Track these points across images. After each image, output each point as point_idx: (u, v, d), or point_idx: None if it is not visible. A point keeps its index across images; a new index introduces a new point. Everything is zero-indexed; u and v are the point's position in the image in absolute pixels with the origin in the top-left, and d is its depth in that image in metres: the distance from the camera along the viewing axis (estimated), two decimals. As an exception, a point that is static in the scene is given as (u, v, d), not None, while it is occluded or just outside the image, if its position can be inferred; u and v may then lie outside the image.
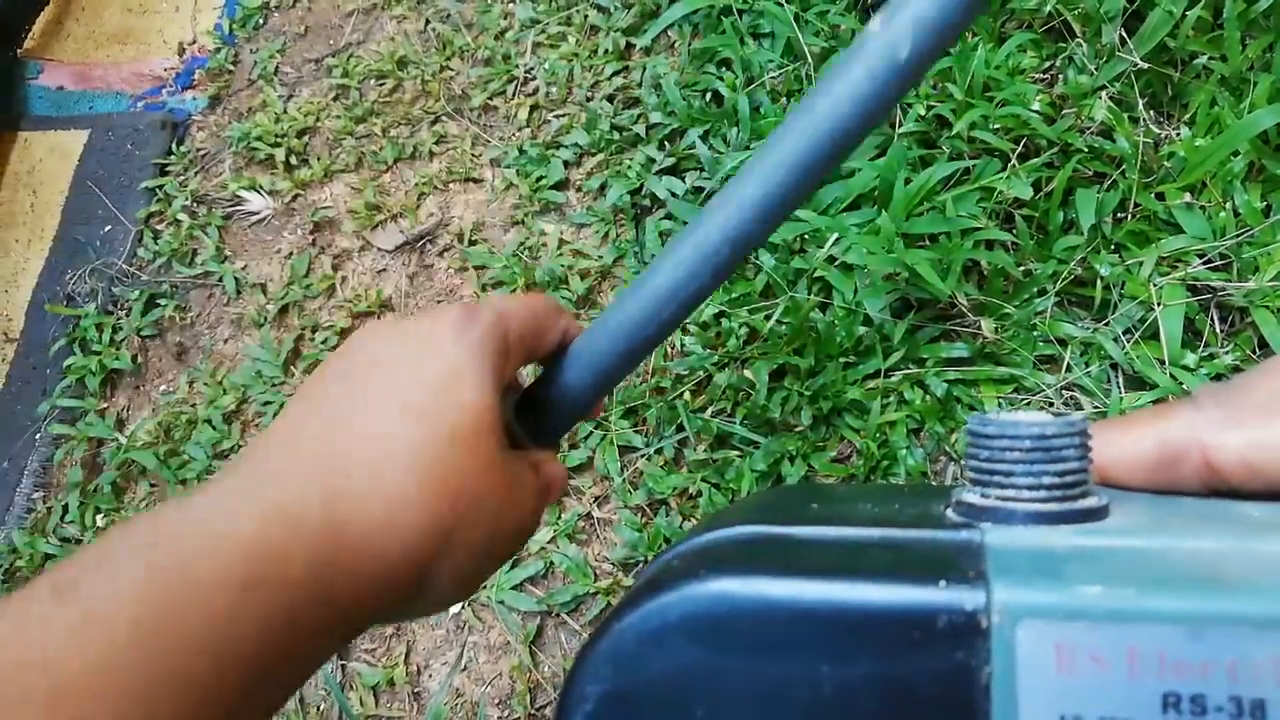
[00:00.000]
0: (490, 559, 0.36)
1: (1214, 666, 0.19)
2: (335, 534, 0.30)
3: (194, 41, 1.82)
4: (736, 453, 1.20)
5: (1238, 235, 1.12)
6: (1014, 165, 1.19)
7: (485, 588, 1.21)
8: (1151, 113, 1.22)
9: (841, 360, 1.19)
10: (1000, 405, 1.14)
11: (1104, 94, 1.22)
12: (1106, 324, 1.15)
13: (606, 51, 1.53)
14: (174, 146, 1.68)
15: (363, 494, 0.31)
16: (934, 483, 1.16)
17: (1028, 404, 1.14)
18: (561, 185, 1.46)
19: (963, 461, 0.25)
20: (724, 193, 0.32)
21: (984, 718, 0.20)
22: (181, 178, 1.65)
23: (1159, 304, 1.11)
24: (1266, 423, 0.25)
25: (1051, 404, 1.14)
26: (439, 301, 1.44)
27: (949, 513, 0.25)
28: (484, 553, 0.35)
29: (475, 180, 1.52)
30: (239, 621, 0.26)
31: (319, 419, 0.34)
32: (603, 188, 1.43)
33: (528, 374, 0.42)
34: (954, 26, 0.28)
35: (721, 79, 1.39)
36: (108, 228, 1.63)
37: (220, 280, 1.53)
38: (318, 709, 1.22)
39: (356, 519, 0.30)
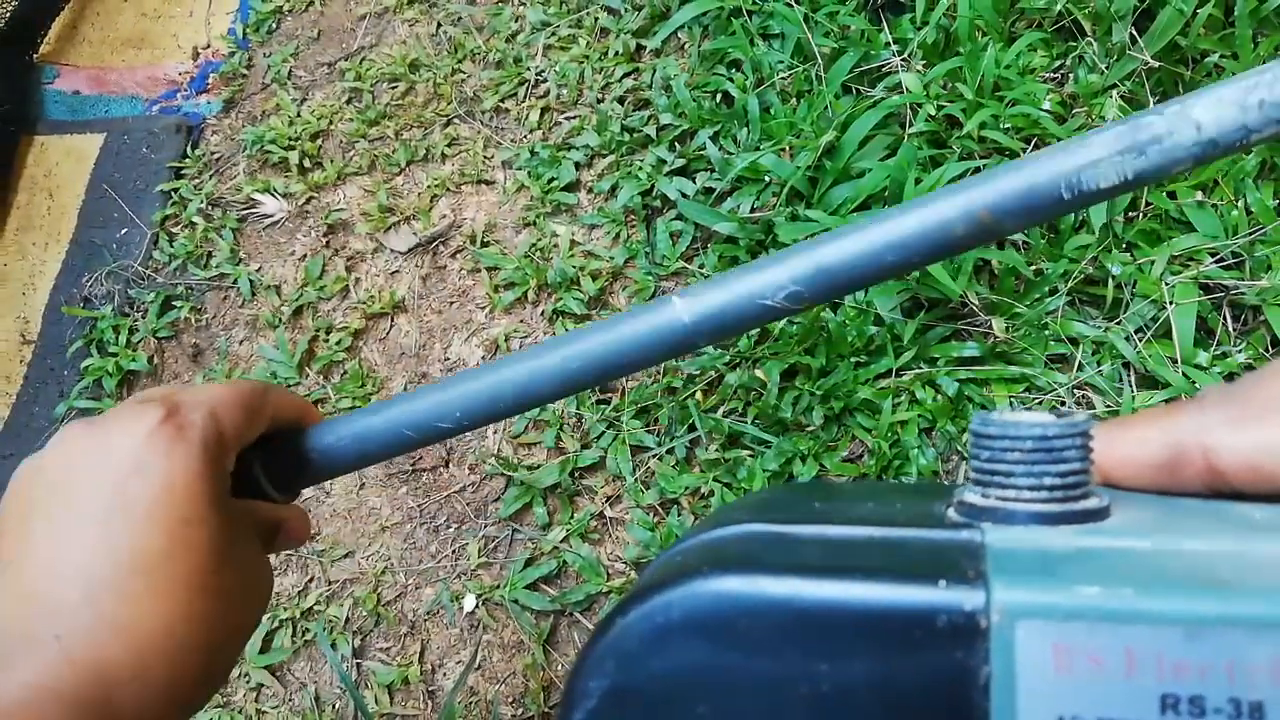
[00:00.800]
0: (244, 635, 0.38)
1: (1213, 668, 0.19)
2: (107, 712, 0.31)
3: (208, 45, 1.84)
4: (748, 452, 1.21)
5: (1250, 233, 1.12)
6: (1025, 164, 1.18)
7: (497, 587, 1.22)
8: (1163, 111, 1.22)
9: (853, 360, 1.19)
10: (1012, 404, 1.14)
11: (1115, 93, 1.21)
12: (1118, 323, 1.15)
13: (617, 54, 1.54)
14: (189, 150, 1.70)
15: (130, 672, 0.31)
16: (941, 482, 1.16)
17: (1039, 403, 1.14)
18: (573, 187, 1.47)
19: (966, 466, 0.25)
20: (520, 357, 0.39)
21: (983, 717, 0.20)
22: (196, 181, 1.66)
23: (1171, 303, 1.11)
24: (1271, 425, 0.25)
25: (1063, 403, 1.14)
26: (452, 303, 1.44)
27: (950, 512, 0.25)
28: (239, 641, 0.37)
29: (487, 182, 1.53)
30: None
31: (49, 575, 0.33)
32: (614, 189, 1.43)
33: None
34: (734, 329, 0.36)
35: (732, 80, 1.39)
36: (124, 231, 1.64)
37: (235, 282, 1.54)
38: (333, 707, 1.23)
39: (127, 698, 0.31)
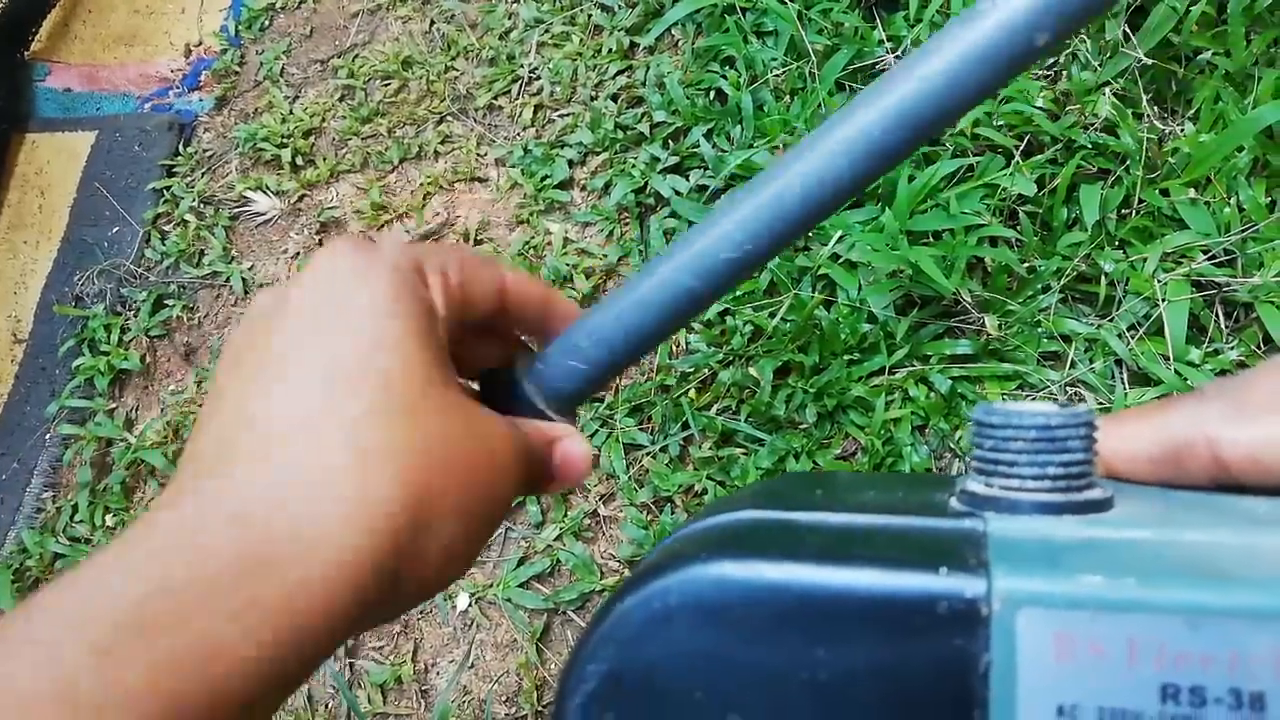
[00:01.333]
0: (472, 520, 0.30)
1: (1214, 658, 0.18)
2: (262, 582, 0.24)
3: (200, 43, 1.83)
4: (741, 450, 1.21)
5: (1242, 231, 1.12)
6: (1018, 162, 1.19)
7: (491, 585, 1.22)
8: (1155, 109, 1.22)
9: (846, 357, 1.19)
10: (1005, 400, 1.14)
11: (1108, 90, 1.21)
12: (1111, 320, 1.15)
13: (610, 51, 1.53)
14: (181, 148, 1.69)
15: (300, 536, 0.25)
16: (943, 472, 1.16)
17: (1032, 400, 1.14)
18: (566, 184, 1.47)
19: (968, 457, 0.25)
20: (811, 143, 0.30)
21: (982, 705, 0.20)
22: (188, 179, 1.65)
23: (1163, 300, 1.11)
24: (1273, 418, 0.25)
25: (1056, 400, 1.14)
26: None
27: (953, 501, 0.25)
28: (463, 515, 0.29)
29: (480, 180, 1.52)
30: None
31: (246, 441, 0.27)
32: (607, 186, 1.43)
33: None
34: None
35: (725, 77, 1.39)
36: (115, 229, 1.64)
37: (227, 280, 1.54)
38: (325, 706, 1.22)
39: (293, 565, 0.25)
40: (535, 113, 1.54)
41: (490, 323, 0.36)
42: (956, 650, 0.20)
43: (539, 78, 1.57)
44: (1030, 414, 0.24)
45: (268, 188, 1.60)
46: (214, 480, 0.27)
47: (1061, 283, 1.16)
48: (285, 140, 1.62)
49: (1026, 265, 1.18)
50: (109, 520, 1.40)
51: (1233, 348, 1.11)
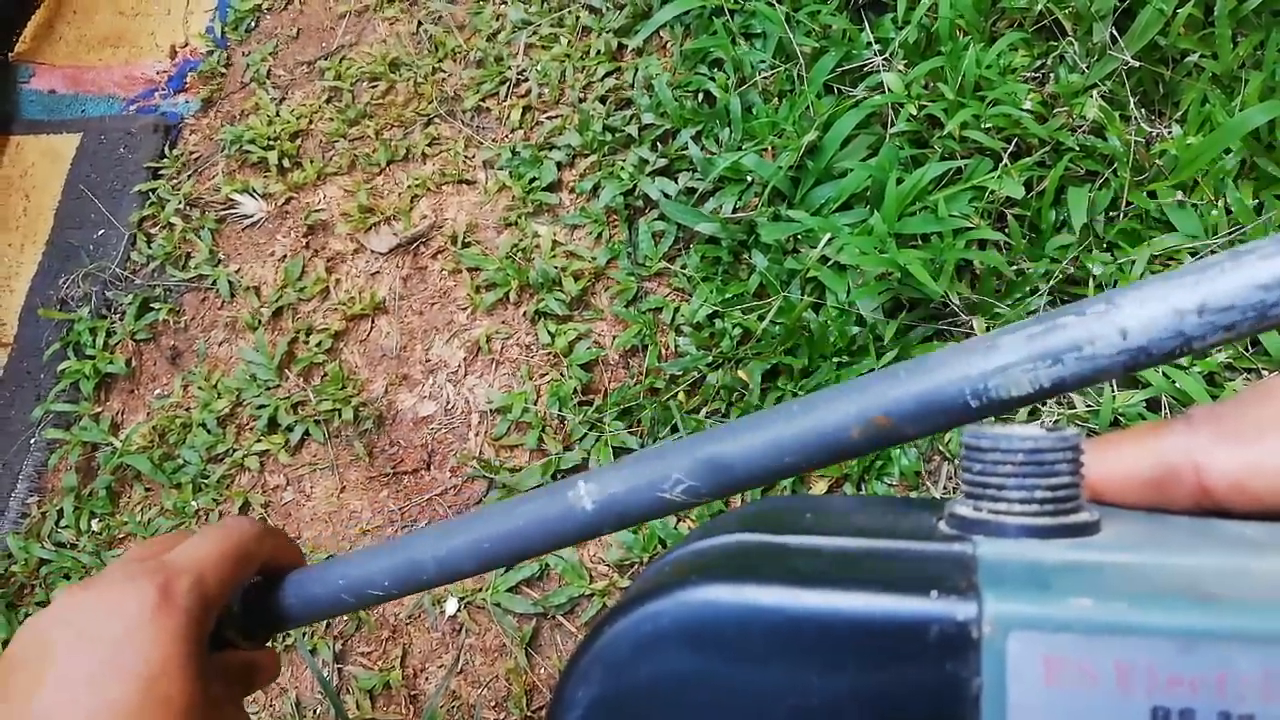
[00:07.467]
0: None
1: (1203, 681, 0.18)
2: None
3: (186, 44, 1.82)
4: (731, 453, 1.20)
5: (1230, 233, 1.12)
6: (1006, 164, 1.19)
7: (479, 590, 1.21)
8: (1143, 111, 1.22)
9: (835, 360, 1.19)
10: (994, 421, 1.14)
11: (1095, 92, 1.22)
12: (1099, 322, 1.15)
13: (598, 53, 1.53)
14: (166, 150, 1.68)
15: None
16: (928, 486, 1.16)
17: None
18: (554, 187, 1.46)
19: (958, 462, 0.25)
20: (441, 534, 0.38)
21: None
22: (174, 181, 1.64)
23: (1151, 302, 1.11)
24: (1260, 445, 0.25)
25: (1043, 422, 1.14)
26: (433, 304, 1.44)
27: (941, 525, 0.25)
28: None
29: (468, 182, 1.52)
30: None
31: None
32: (595, 189, 1.43)
33: None
34: (636, 516, 0.32)
35: (713, 79, 1.39)
36: (101, 231, 1.63)
37: (214, 284, 1.53)
38: (314, 712, 1.22)
39: None
40: (523, 115, 1.53)
41: None
42: (947, 674, 0.20)
43: (527, 79, 1.56)
44: (1018, 438, 0.24)
45: (254, 190, 1.59)
46: None
47: (1050, 285, 1.16)
48: (272, 142, 1.61)
49: (1015, 268, 1.18)
50: (94, 525, 1.39)
51: (1220, 350, 1.11)
